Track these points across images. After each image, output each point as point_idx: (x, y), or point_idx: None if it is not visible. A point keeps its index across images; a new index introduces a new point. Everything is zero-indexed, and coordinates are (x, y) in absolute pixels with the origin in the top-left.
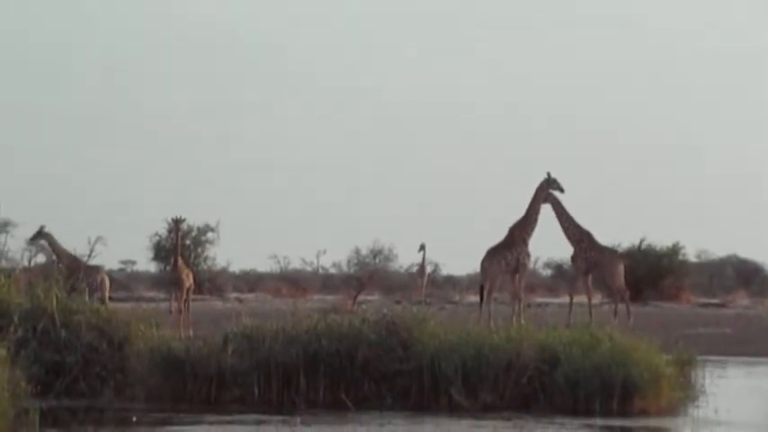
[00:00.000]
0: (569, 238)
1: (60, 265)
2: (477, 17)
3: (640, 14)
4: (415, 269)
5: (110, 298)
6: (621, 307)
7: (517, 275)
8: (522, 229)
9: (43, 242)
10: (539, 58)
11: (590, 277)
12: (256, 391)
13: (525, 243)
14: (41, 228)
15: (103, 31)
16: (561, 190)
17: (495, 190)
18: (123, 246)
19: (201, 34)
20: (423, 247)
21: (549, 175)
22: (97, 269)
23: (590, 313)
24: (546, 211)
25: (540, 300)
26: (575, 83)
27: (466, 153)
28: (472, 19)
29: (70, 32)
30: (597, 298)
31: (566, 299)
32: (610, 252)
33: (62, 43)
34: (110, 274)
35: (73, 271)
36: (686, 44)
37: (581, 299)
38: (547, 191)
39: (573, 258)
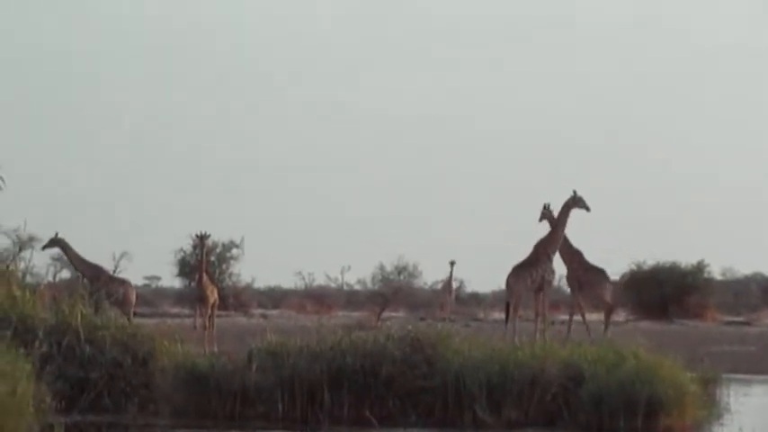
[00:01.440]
0: (562, 256)
1: (85, 280)
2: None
3: (681, 29)
4: (439, 286)
5: (134, 313)
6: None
7: (541, 293)
8: (547, 246)
9: (58, 250)
10: (573, 79)
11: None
12: (281, 408)
13: (550, 260)
14: (55, 235)
15: (129, 46)
16: (587, 209)
17: (521, 207)
18: (148, 261)
19: (226, 50)
20: (452, 264)
21: (575, 193)
22: (122, 282)
23: (587, 330)
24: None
25: (564, 317)
26: (600, 101)
27: (491, 170)
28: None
29: (97, 47)
30: (622, 315)
31: (591, 316)
32: (598, 271)
33: (91, 58)
34: (135, 289)
35: (94, 280)
36: (715, 63)
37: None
38: (577, 208)
39: (567, 278)
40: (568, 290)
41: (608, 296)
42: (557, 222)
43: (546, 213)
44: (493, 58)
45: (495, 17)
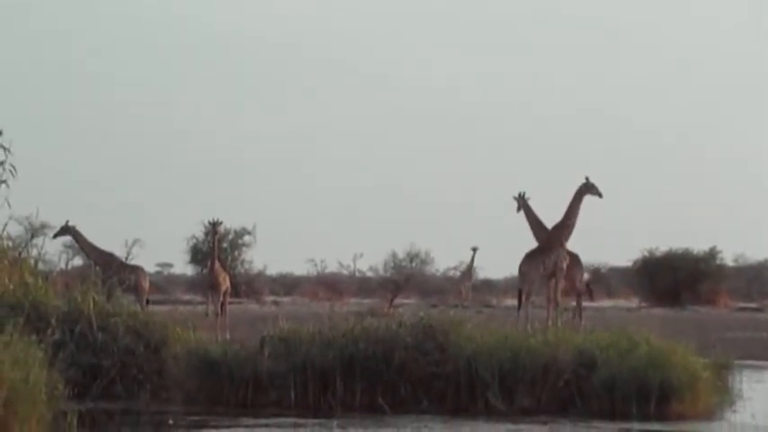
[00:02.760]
0: (538, 243)
1: (97, 268)
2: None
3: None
4: (452, 273)
5: (147, 301)
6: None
7: (553, 279)
8: (560, 233)
9: (70, 237)
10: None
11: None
12: (293, 395)
13: (563, 247)
14: (66, 223)
15: (140, 35)
16: (600, 195)
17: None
18: (160, 249)
19: (234, 36)
20: (475, 250)
21: (587, 179)
22: (134, 269)
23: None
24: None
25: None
26: (615, 86)
27: (503, 155)
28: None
29: (111, 34)
30: (634, 302)
31: (603, 302)
32: (571, 257)
33: (104, 45)
34: (148, 275)
35: (106, 268)
36: (730, 49)
37: (617, 302)
38: (589, 194)
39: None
40: (586, 276)
41: (581, 282)
42: (569, 209)
43: (521, 203)
44: (517, 42)
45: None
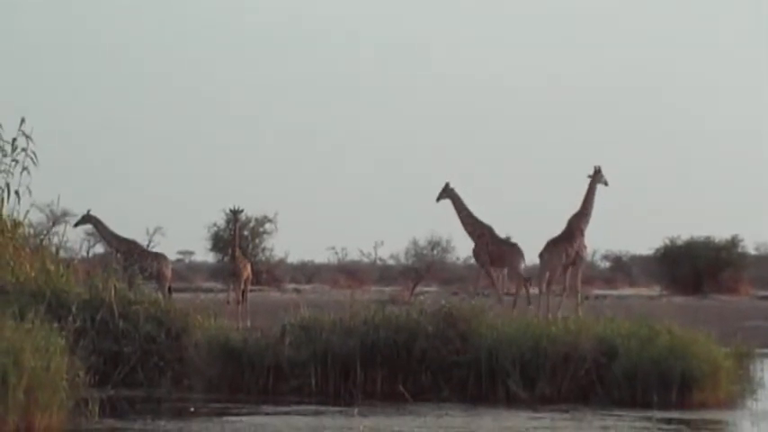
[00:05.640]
0: (469, 233)
1: (118, 255)
2: None
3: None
4: (472, 261)
5: (168, 289)
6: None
7: (571, 268)
8: (579, 222)
9: (89, 227)
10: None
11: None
12: (314, 382)
13: (583, 235)
14: (87, 211)
15: (168, 22)
16: (606, 183)
17: (552, 182)
18: (181, 236)
19: (262, 27)
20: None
21: (597, 168)
22: (156, 256)
23: (500, 302)
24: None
25: (597, 292)
26: (640, 74)
27: (525, 145)
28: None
29: (134, 21)
30: (655, 290)
31: (624, 290)
32: (510, 245)
33: (126, 33)
34: (170, 263)
35: (128, 255)
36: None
37: (638, 290)
38: (599, 182)
39: (475, 253)
40: (606, 264)
41: (521, 270)
42: (586, 198)
43: (447, 192)
44: (533, 30)
45: None
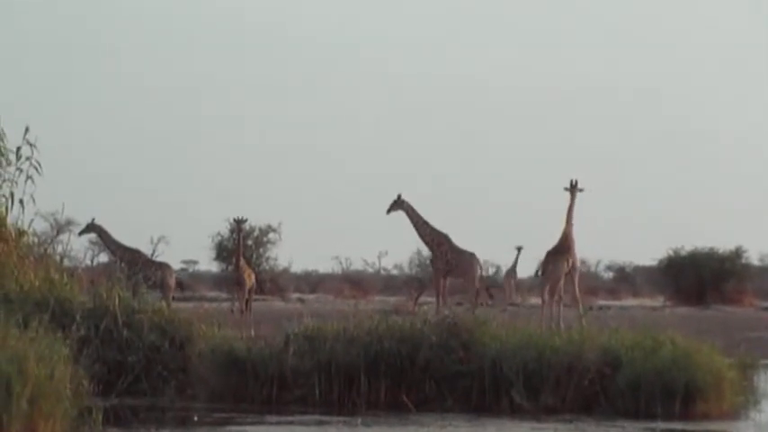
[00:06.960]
0: (427, 243)
1: (122, 264)
2: None
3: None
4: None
5: (172, 298)
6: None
7: (567, 278)
8: (570, 233)
9: (93, 236)
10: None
11: (447, 279)
12: (317, 392)
13: (575, 245)
14: (92, 220)
15: (171, 29)
16: (581, 190)
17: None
18: (185, 246)
19: (266, 36)
20: (519, 249)
21: (575, 181)
22: (160, 266)
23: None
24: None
25: (601, 302)
26: (641, 80)
27: (529, 155)
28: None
29: (137, 27)
30: (659, 301)
31: (628, 301)
32: (468, 255)
33: (132, 40)
34: (174, 272)
35: (132, 265)
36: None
37: (641, 301)
38: (575, 194)
39: (432, 261)
40: (610, 275)
41: (477, 280)
42: (569, 210)
43: (399, 204)
44: (541, 27)
45: None
